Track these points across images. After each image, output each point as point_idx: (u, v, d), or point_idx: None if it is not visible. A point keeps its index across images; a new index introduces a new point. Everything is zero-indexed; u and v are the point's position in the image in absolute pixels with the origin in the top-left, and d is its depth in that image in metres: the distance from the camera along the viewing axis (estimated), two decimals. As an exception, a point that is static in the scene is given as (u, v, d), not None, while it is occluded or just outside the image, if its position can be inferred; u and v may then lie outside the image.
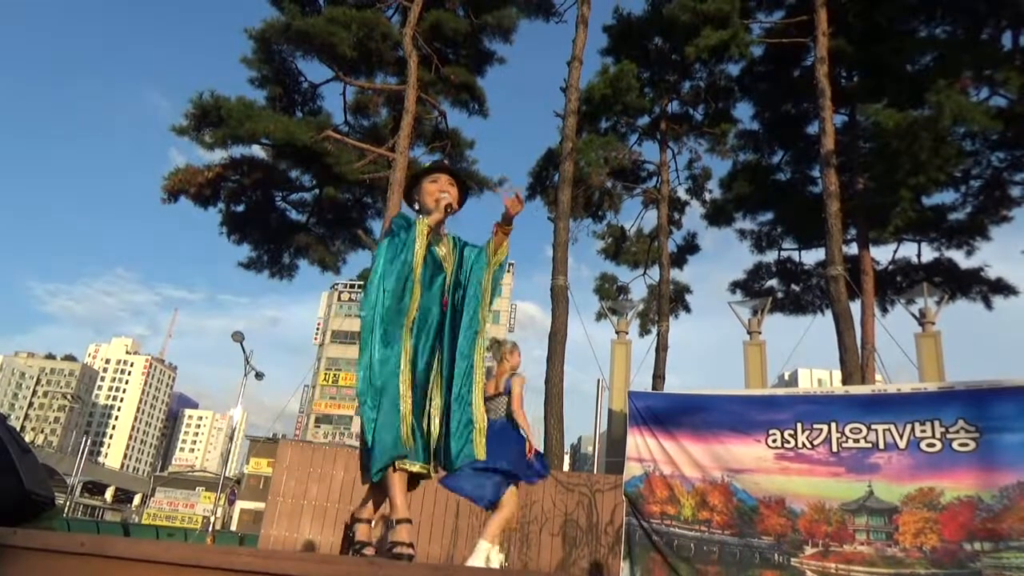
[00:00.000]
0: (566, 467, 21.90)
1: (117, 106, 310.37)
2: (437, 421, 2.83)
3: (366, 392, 2.73)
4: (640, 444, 7.97)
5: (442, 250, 3.06)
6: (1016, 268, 17.61)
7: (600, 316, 19.29)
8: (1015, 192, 17.33)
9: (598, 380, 13.20)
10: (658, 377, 17.93)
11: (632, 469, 7.98)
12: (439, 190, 3.05)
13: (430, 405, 2.85)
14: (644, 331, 20.41)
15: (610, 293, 20.58)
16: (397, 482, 2.74)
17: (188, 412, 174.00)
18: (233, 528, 37.04)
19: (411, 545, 2.64)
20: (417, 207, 3.14)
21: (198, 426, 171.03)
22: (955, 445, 6.76)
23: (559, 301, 15.11)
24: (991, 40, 15.98)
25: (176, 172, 17.43)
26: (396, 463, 2.69)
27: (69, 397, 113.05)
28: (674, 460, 7.69)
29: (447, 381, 2.88)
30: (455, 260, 3.10)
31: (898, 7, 16.25)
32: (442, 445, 2.81)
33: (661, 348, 18.11)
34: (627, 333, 14.26)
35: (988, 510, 6.52)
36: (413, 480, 2.82)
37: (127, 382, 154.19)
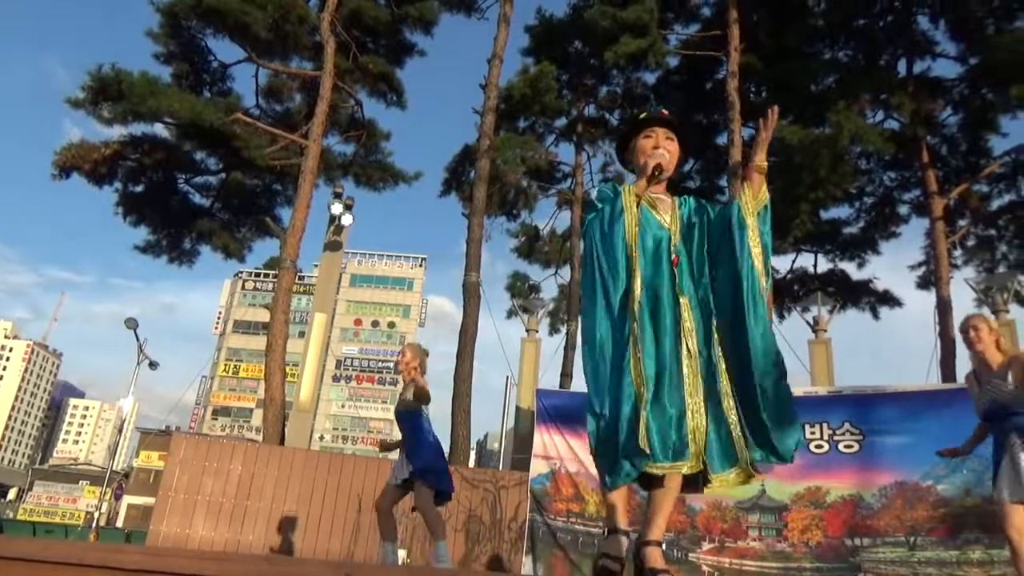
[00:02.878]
0: (472, 463, 21.89)
1: (6, 70, 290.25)
2: (704, 409, 2.33)
3: (596, 393, 2.36)
4: (547, 441, 8.05)
5: (662, 214, 2.58)
6: (901, 281, 18.83)
7: (511, 314, 19.39)
8: (903, 210, 18.55)
9: (507, 377, 13.27)
10: (566, 376, 18.15)
11: (538, 466, 8.05)
12: (653, 147, 2.59)
13: (688, 392, 2.34)
14: (554, 330, 20.67)
15: (521, 291, 20.71)
16: (619, 493, 2.40)
17: (73, 401, 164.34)
18: (119, 524, 35.25)
19: (666, 571, 2.26)
20: (631, 167, 2.73)
21: (84, 416, 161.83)
22: (841, 447, 7.14)
23: (471, 297, 15.10)
24: (888, 66, 17.02)
25: (69, 147, 16.35)
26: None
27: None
28: (580, 458, 7.80)
29: (710, 361, 2.39)
30: (680, 219, 2.59)
31: (805, 29, 17.05)
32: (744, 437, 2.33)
33: (570, 347, 18.34)
34: (537, 331, 14.36)
35: (868, 508, 6.92)
36: (688, 482, 2.42)
37: (4, 368, 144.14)
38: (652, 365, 2.31)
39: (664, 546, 2.47)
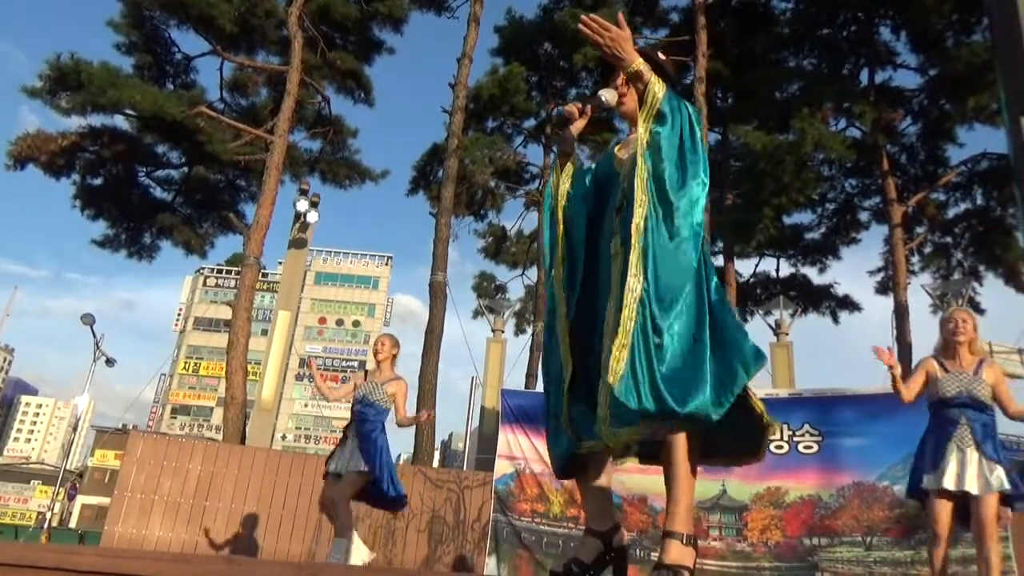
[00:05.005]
0: (436, 463, 21.82)
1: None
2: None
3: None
4: (512, 442, 8.05)
5: (623, 156, 2.32)
6: (860, 286, 19.21)
7: (477, 314, 19.36)
8: (863, 217, 18.94)
9: (472, 377, 13.23)
10: (531, 376, 18.18)
11: (503, 467, 8.05)
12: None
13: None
14: (519, 330, 20.68)
15: (488, 291, 20.70)
16: (584, 480, 2.18)
17: (25, 399, 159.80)
18: (72, 525, 34.41)
19: (670, 567, 1.90)
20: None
21: (36, 414, 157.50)
22: (800, 448, 7.26)
23: (437, 297, 15.06)
24: (850, 75, 17.37)
25: (26, 137, 15.94)
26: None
27: None
28: (544, 458, 7.81)
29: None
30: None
31: (771, 37, 17.33)
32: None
33: (536, 348, 18.38)
34: (503, 332, 14.36)
35: (826, 508, 7.05)
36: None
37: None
38: (567, 343, 2.13)
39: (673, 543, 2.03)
